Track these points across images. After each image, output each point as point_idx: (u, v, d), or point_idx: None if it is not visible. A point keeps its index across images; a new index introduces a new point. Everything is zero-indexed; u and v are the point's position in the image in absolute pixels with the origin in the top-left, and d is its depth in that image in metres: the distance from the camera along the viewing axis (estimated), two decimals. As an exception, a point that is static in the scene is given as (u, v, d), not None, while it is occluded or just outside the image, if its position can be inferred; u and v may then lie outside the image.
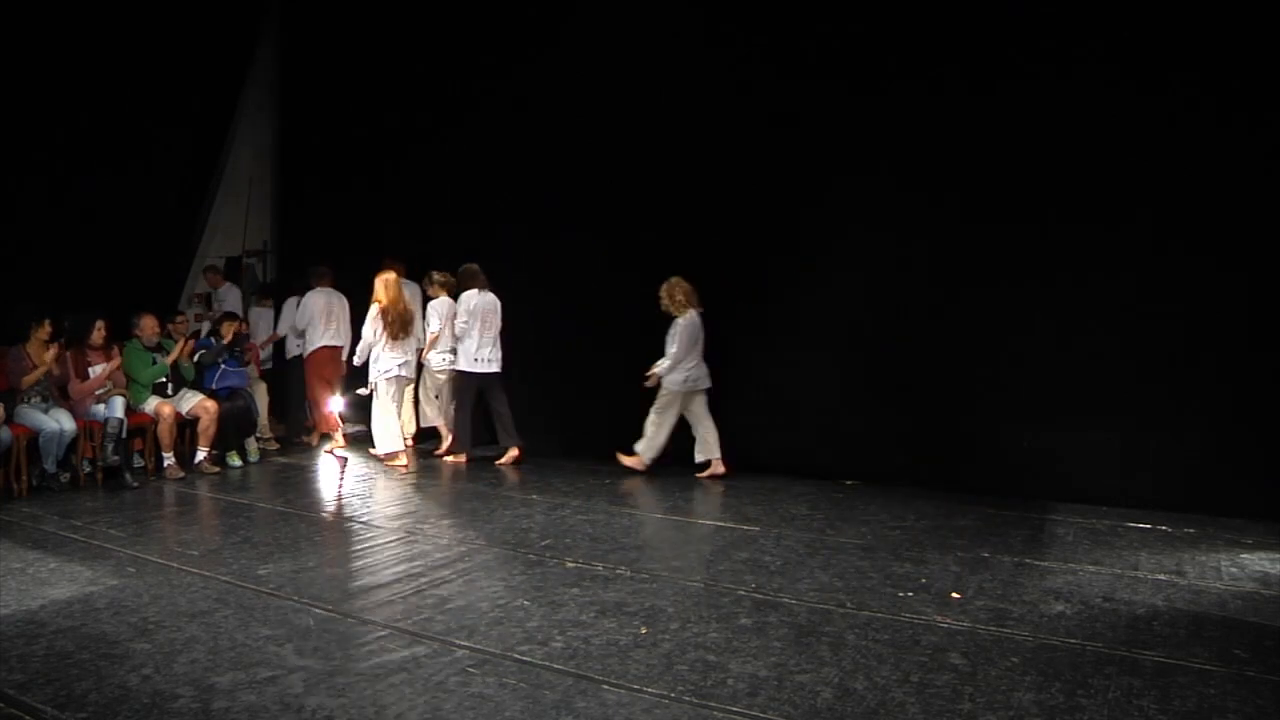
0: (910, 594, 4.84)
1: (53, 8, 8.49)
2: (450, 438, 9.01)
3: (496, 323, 8.65)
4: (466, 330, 8.52)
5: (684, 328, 7.81)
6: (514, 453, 8.69)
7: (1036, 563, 5.41)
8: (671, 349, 7.82)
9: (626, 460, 8.19)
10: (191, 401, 8.08)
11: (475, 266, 8.66)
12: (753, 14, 8.00)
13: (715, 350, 8.21)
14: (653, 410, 7.99)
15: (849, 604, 4.68)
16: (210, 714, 3.41)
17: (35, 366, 7.24)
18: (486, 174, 9.44)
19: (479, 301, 8.57)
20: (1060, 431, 6.94)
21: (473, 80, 9.58)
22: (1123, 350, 6.74)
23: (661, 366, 7.85)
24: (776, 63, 7.91)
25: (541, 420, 9.37)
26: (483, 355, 8.61)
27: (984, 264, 7.18)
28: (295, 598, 4.75)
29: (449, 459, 8.78)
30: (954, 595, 4.82)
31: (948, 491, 7.13)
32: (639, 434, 8.22)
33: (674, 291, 7.89)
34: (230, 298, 10.22)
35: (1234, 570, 5.26)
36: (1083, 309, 6.85)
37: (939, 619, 4.46)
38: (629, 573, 5.17)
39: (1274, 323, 6.25)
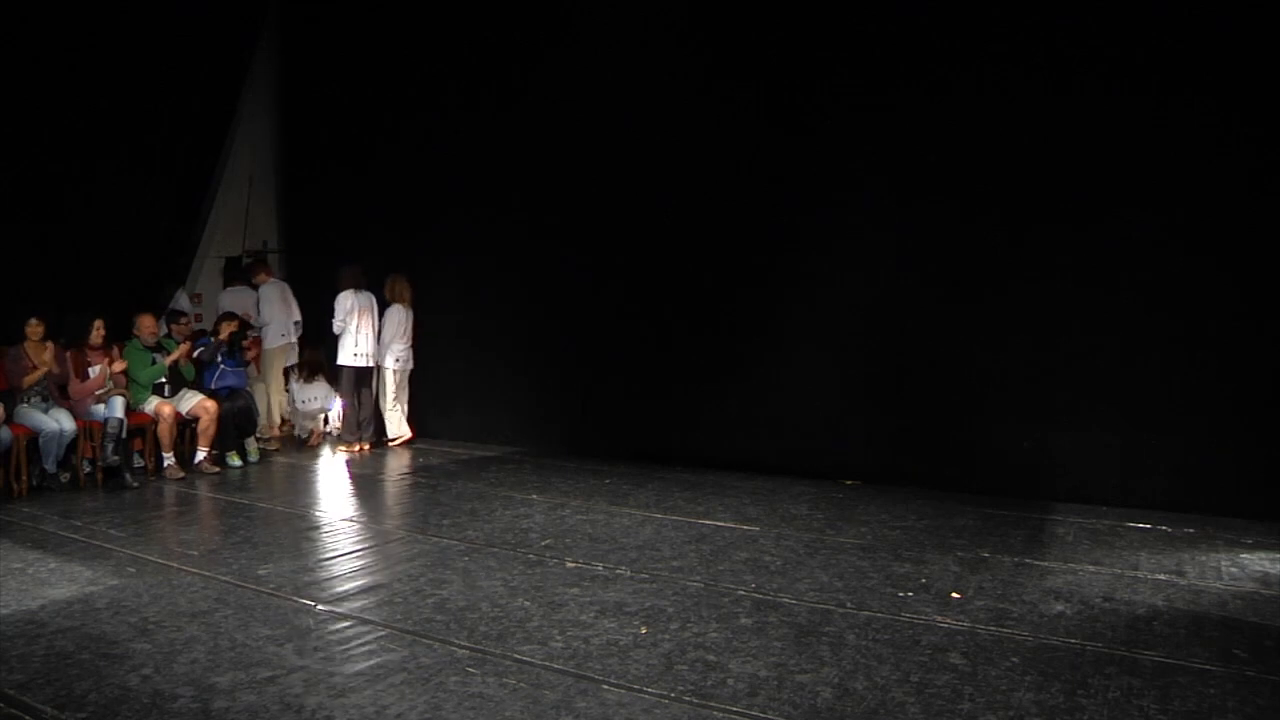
0: (910, 594, 4.84)
1: (53, 5, 8.48)
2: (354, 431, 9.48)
3: (372, 320, 9.33)
4: (344, 327, 9.10)
5: (391, 317, 9.34)
6: (361, 446, 9.32)
7: (1036, 563, 5.41)
8: (384, 335, 9.33)
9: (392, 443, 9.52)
10: (191, 401, 8.08)
11: (358, 267, 9.27)
12: (751, 17, 7.99)
13: (716, 351, 8.23)
14: (387, 397, 9.47)
15: (849, 604, 4.68)
16: (210, 714, 3.41)
17: (35, 366, 7.24)
18: (489, 174, 9.44)
19: (355, 300, 9.14)
20: (1060, 431, 6.94)
21: (475, 79, 9.57)
22: (1122, 350, 6.73)
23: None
24: (779, 64, 7.90)
25: (541, 420, 9.39)
26: (361, 350, 9.20)
27: (983, 264, 7.17)
28: (295, 598, 4.75)
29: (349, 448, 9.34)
30: (954, 595, 4.82)
31: (947, 491, 7.13)
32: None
33: (391, 286, 9.36)
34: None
35: (1234, 570, 5.26)
36: (1083, 309, 6.84)
37: (939, 619, 4.46)
38: (629, 573, 5.18)
39: (1274, 322, 6.25)
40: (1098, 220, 6.73)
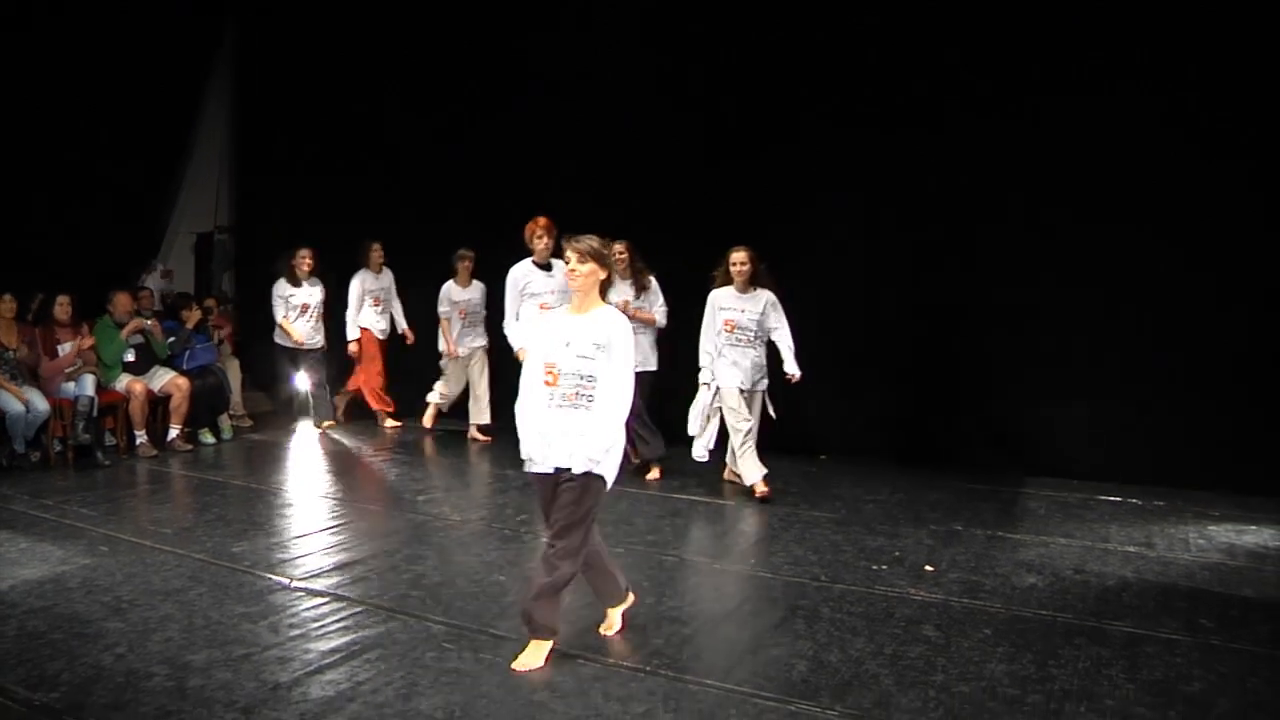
0: (884, 567, 4.88)
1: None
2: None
3: None
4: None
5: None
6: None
7: (1009, 536, 5.47)
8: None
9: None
10: (163, 379, 7.99)
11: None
12: (746, 17, 7.91)
13: (688, 326, 8.21)
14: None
15: (823, 577, 4.71)
16: (185, 692, 3.40)
17: (4, 346, 7.13)
18: (483, 172, 9.24)
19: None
20: (1033, 407, 7.00)
21: (441, 65, 9.40)
22: (1093, 327, 6.79)
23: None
24: (779, 59, 7.81)
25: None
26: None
27: (956, 243, 7.19)
28: (269, 575, 4.73)
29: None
30: (927, 568, 4.87)
31: (920, 466, 7.19)
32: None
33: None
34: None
35: (1201, 542, 5.35)
36: (1054, 287, 6.87)
37: (912, 592, 4.51)
38: (605, 548, 5.18)
39: (1239, 304, 6.33)
40: (1065, 205, 6.77)
